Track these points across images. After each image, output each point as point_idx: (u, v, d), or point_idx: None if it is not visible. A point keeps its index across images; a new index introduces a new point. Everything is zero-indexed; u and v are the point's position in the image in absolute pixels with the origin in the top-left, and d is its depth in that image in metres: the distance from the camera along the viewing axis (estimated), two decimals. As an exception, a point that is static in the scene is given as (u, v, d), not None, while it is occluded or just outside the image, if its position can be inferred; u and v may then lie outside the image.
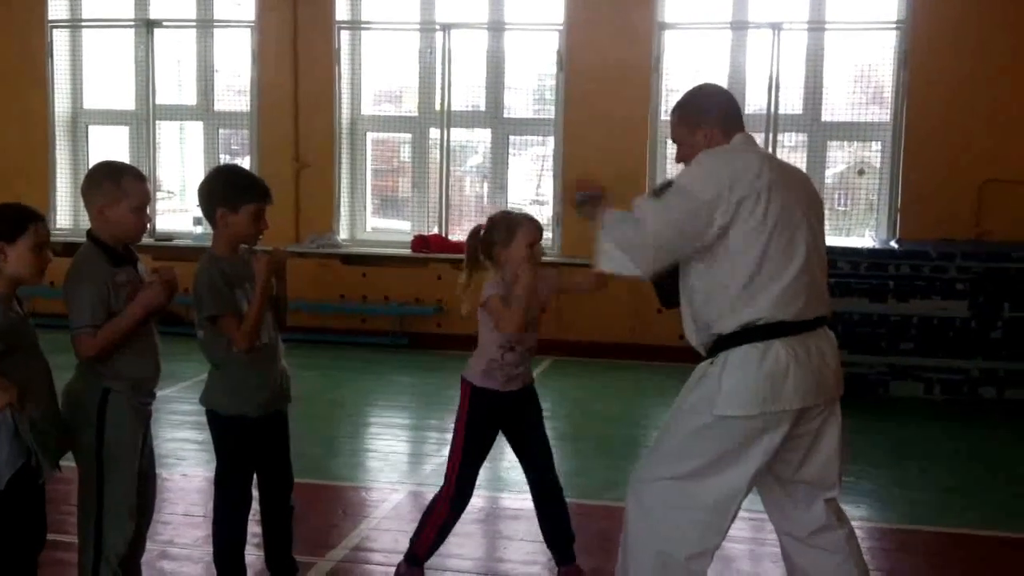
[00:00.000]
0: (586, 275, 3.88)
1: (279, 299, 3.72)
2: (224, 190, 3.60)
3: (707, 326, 3.17)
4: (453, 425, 3.92)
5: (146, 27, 9.74)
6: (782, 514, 3.35)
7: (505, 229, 3.80)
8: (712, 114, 3.29)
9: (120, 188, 3.39)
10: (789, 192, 3.12)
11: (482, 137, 9.62)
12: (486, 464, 4.00)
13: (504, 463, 5.26)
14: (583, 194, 3.59)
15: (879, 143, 8.87)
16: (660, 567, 3.18)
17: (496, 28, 9.28)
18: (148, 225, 3.53)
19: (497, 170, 9.47)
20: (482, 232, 3.90)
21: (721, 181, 3.05)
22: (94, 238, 3.44)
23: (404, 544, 4.49)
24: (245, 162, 9.70)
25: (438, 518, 3.92)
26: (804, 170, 6.01)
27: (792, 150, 8.79)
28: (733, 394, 3.05)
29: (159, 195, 10.10)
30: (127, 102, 9.98)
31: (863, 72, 8.91)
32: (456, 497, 3.89)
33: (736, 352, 3.07)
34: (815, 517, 3.27)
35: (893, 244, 7.97)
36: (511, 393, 3.89)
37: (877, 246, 7.84)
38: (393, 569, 4.20)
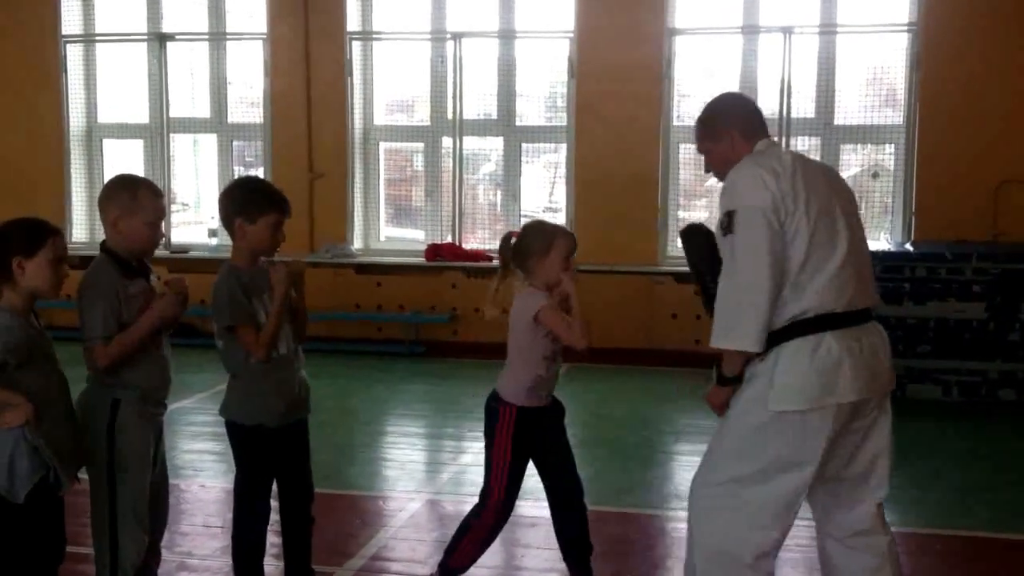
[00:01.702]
0: (580, 335, 3.72)
1: (297, 310, 3.72)
2: (242, 201, 3.63)
3: None
4: (491, 448, 3.84)
5: (159, 41, 9.80)
6: (824, 513, 3.34)
7: (543, 238, 3.79)
8: (733, 122, 3.33)
9: (135, 201, 3.41)
10: (824, 186, 3.16)
11: (494, 145, 9.62)
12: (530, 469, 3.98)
13: (521, 471, 5.26)
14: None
15: (892, 146, 8.84)
16: (726, 570, 3.19)
17: (507, 36, 9.29)
18: (161, 240, 3.55)
19: (510, 178, 9.48)
20: (513, 239, 3.87)
21: (767, 182, 3.07)
22: (107, 250, 3.46)
23: (422, 553, 4.51)
24: (259, 173, 9.73)
25: (480, 536, 3.87)
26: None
27: (805, 154, 8.73)
28: (787, 388, 3.05)
29: (174, 207, 10.14)
30: (141, 115, 10.03)
31: (875, 75, 8.88)
32: (501, 519, 3.86)
33: (788, 346, 3.07)
34: (857, 519, 3.26)
35: (909, 247, 7.95)
36: (548, 407, 3.89)
37: (893, 249, 7.82)
38: (411, 578, 4.22)
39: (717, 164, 3.35)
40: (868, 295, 3.18)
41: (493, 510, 3.84)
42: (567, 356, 3.89)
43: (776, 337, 3.09)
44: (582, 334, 3.68)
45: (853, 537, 3.27)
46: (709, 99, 3.52)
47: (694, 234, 3.53)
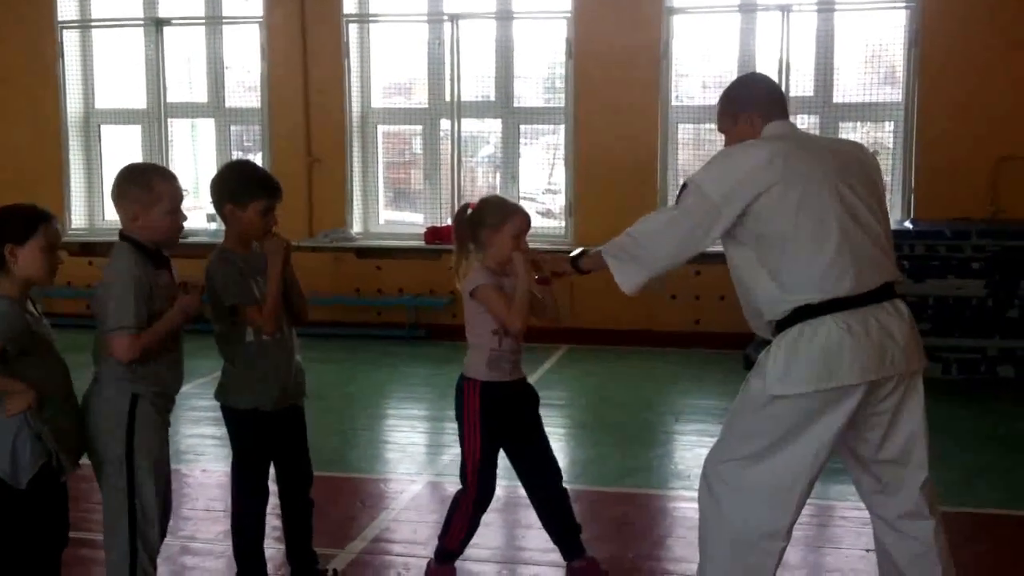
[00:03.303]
0: (514, 316, 3.70)
1: (291, 288, 3.70)
2: (233, 186, 3.62)
3: (761, 315, 3.20)
4: (461, 427, 3.86)
5: (155, 25, 9.77)
6: (870, 496, 3.35)
7: (497, 213, 3.77)
8: (750, 103, 3.36)
9: (151, 192, 3.31)
10: (813, 173, 3.13)
11: (493, 127, 9.61)
12: (502, 453, 3.97)
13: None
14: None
15: (892, 123, 8.83)
16: (734, 548, 3.20)
17: (504, 17, 9.27)
18: (184, 223, 3.43)
19: (509, 160, 9.46)
20: (470, 210, 3.86)
21: (729, 180, 3.11)
22: (129, 239, 3.34)
23: (424, 535, 4.52)
24: (257, 158, 9.72)
25: (465, 517, 3.88)
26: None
27: (792, 127, 8.72)
28: (785, 374, 3.06)
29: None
30: (139, 101, 10.02)
31: (874, 52, 8.85)
32: (481, 496, 3.87)
33: (789, 332, 3.08)
34: (901, 502, 3.26)
35: (908, 224, 7.94)
36: (516, 383, 3.87)
37: (892, 227, 7.80)
38: (412, 560, 4.23)
39: (735, 143, 3.35)
40: (881, 272, 3.14)
41: (472, 487, 3.84)
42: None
43: (780, 325, 3.12)
44: (517, 315, 3.66)
45: (900, 520, 3.27)
46: (732, 79, 3.57)
47: None
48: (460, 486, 3.92)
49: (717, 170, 3.20)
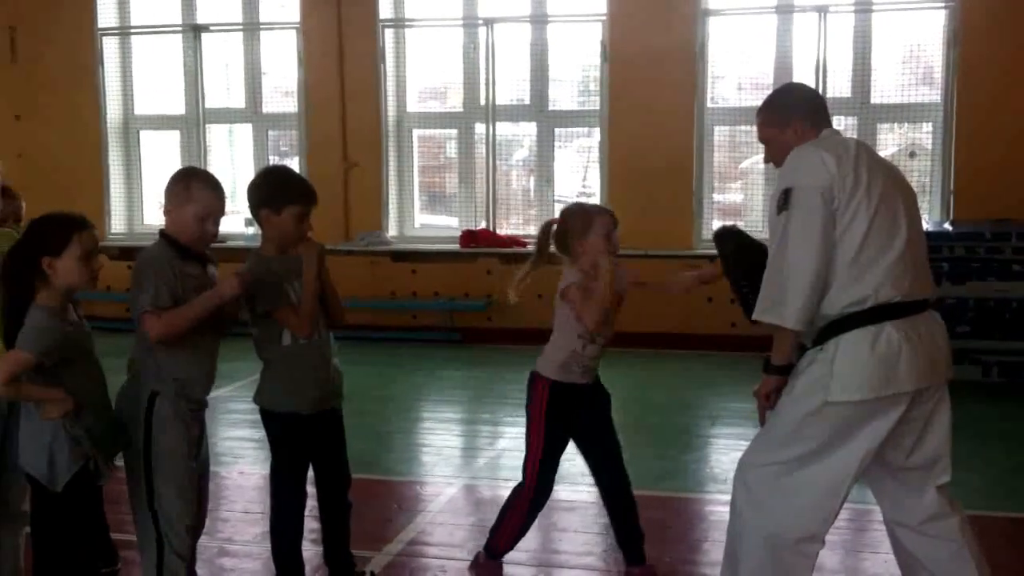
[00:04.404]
0: (679, 279, 3.88)
1: (326, 291, 3.72)
2: (268, 192, 3.66)
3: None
4: (527, 422, 3.90)
5: (193, 32, 9.88)
6: (893, 503, 3.33)
7: (581, 219, 3.83)
8: (799, 110, 3.36)
9: (187, 192, 3.39)
10: (887, 177, 3.17)
11: (527, 131, 9.62)
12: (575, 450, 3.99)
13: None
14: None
15: (930, 124, 8.73)
16: (770, 550, 3.20)
17: (539, 21, 9.28)
18: (213, 235, 3.46)
19: (543, 163, 9.46)
20: (555, 225, 3.91)
21: (828, 164, 3.09)
22: (164, 234, 3.42)
23: (460, 537, 4.54)
24: (294, 162, 9.80)
25: (520, 513, 3.92)
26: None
27: (842, 134, 8.66)
28: (847, 379, 3.05)
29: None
30: (177, 107, 10.12)
31: (912, 52, 8.77)
32: (538, 494, 3.90)
33: (848, 336, 3.06)
34: (927, 505, 3.25)
35: (947, 226, 7.85)
36: (586, 385, 3.90)
37: (931, 228, 7.71)
38: (449, 562, 4.24)
39: (778, 152, 3.35)
40: (926, 286, 3.19)
41: (531, 481, 3.88)
42: (608, 341, 3.89)
43: (835, 327, 3.09)
44: (591, 315, 3.70)
45: (926, 523, 3.26)
46: (775, 88, 3.57)
47: (723, 237, 3.54)
48: (507, 490, 3.95)
49: (808, 163, 3.14)
